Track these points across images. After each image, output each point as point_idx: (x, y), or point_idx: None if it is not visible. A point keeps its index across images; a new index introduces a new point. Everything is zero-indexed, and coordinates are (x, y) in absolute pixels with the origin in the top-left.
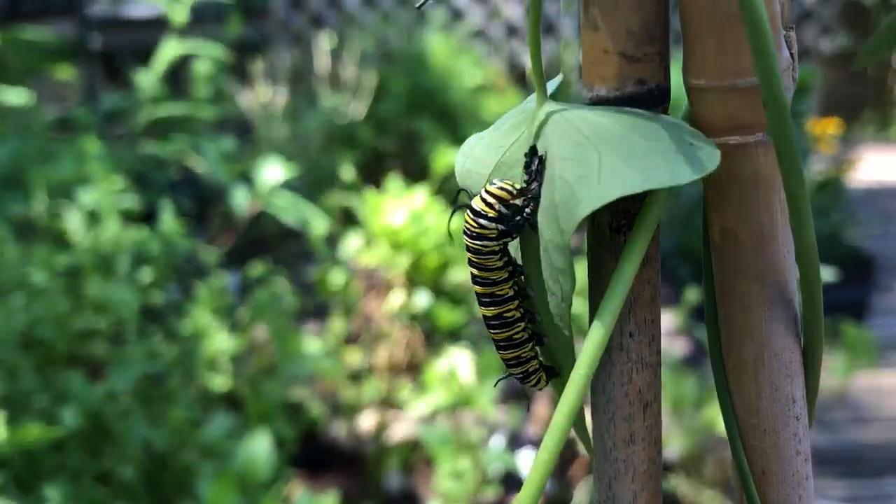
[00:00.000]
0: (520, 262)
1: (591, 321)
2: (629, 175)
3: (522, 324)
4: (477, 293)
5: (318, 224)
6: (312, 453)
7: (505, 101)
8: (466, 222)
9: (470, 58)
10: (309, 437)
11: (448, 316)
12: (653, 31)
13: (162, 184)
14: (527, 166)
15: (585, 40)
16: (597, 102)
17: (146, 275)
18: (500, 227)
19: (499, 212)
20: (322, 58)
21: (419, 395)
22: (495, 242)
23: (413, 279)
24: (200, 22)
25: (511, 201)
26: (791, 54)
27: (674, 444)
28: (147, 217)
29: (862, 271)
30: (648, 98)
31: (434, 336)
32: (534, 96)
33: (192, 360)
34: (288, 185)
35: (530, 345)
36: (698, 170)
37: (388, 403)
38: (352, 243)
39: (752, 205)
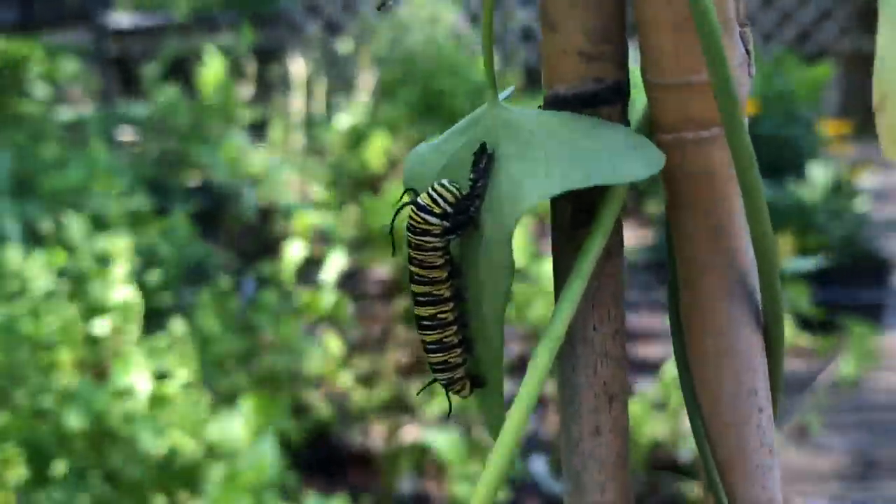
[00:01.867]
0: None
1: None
2: (573, 171)
3: (455, 327)
4: (413, 292)
5: (293, 251)
6: (324, 457)
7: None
8: (411, 218)
9: (482, 63)
10: (320, 440)
11: None
12: (610, 31)
13: (176, 189)
14: (475, 164)
15: (544, 41)
16: (556, 101)
17: (153, 277)
18: (445, 223)
19: (443, 209)
20: (336, 63)
21: (429, 398)
22: (438, 239)
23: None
24: (215, 29)
25: (456, 200)
26: (747, 50)
27: (686, 447)
28: (159, 219)
29: (878, 273)
30: (607, 95)
31: None
32: (489, 102)
33: (200, 362)
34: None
35: (459, 350)
36: (644, 169)
37: (399, 407)
38: (334, 263)
39: (709, 198)
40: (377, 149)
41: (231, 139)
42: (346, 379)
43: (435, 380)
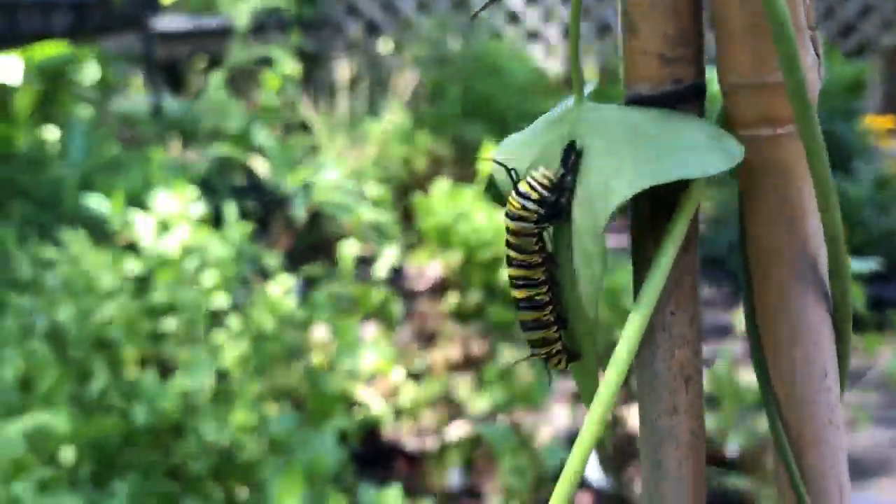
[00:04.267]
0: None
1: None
2: (658, 167)
3: (550, 307)
4: (511, 276)
5: (348, 248)
6: (374, 451)
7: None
8: (510, 204)
9: (524, 60)
10: (371, 435)
11: (501, 314)
12: (687, 35)
13: (226, 189)
14: (564, 160)
15: (626, 43)
16: (637, 100)
17: (211, 278)
18: (541, 210)
19: (541, 196)
20: (378, 65)
21: (478, 392)
22: (534, 226)
23: (465, 278)
24: (263, 32)
25: (551, 190)
26: (816, 53)
27: (735, 442)
28: (214, 221)
29: None
30: (685, 95)
31: (489, 334)
32: (571, 98)
33: (257, 359)
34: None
35: (555, 328)
36: (724, 162)
37: (448, 401)
38: (386, 260)
39: (783, 190)
40: (421, 149)
41: (283, 142)
42: (396, 375)
43: (533, 355)
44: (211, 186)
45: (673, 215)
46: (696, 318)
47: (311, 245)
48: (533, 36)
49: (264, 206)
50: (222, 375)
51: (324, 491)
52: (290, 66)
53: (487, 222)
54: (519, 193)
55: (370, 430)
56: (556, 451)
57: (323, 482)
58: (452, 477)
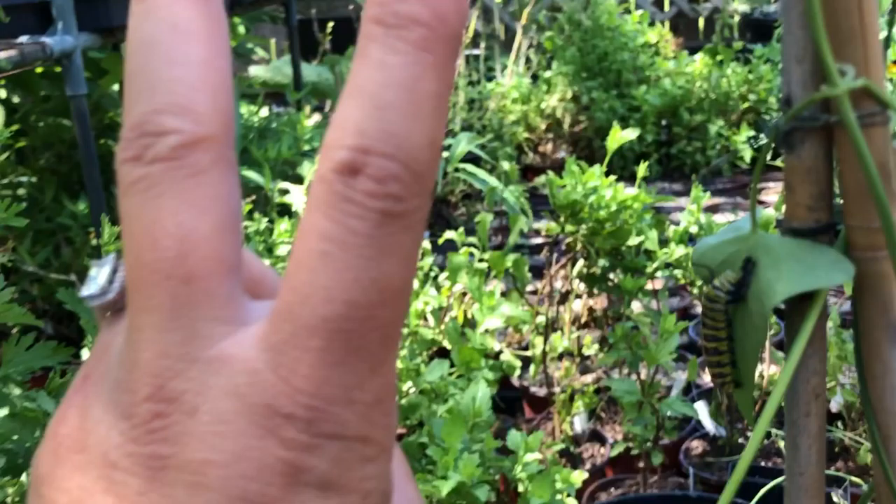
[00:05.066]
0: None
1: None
2: (803, 278)
3: (728, 355)
4: (704, 335)
5: (485, 215)
6: (505, 397)
7: (676, 63)
8: (709, 292)
9: (641, 19)
10: (502, 382)
11: (626, 281)
12: (824, 193)
13: None
14: (744, 267)
15: (786, 195)
16: (791, 231)
17: None
18: (728, 297)
19: (727, 289)
20: (497, 24)
21: (604, 349)
22: (723, 306)
23: (592, 247)
24: None
25: (734, 284)
26: None
27: (838, 396)
28: None
29: None
30: (821, 230)
31: (614, 298)
32: (746, 221)
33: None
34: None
35: (730, 368)
36: (843, 277)
37: (574, 355)
38: (517, 225)
39: (881, 292)
40: (540, 109)
41: None
42: (526, 329)
43: (715, 382)
44: None
45: (811, 305)
46: (822, 358)
47: (437, 208)
48: None
49: None
50: None
51: (479, 434)
52: None
53: (612, 198)
54: (714, 287)
55: (502, 378)
56: (675, 404)
57: (481, 427)
58: (577, 423)
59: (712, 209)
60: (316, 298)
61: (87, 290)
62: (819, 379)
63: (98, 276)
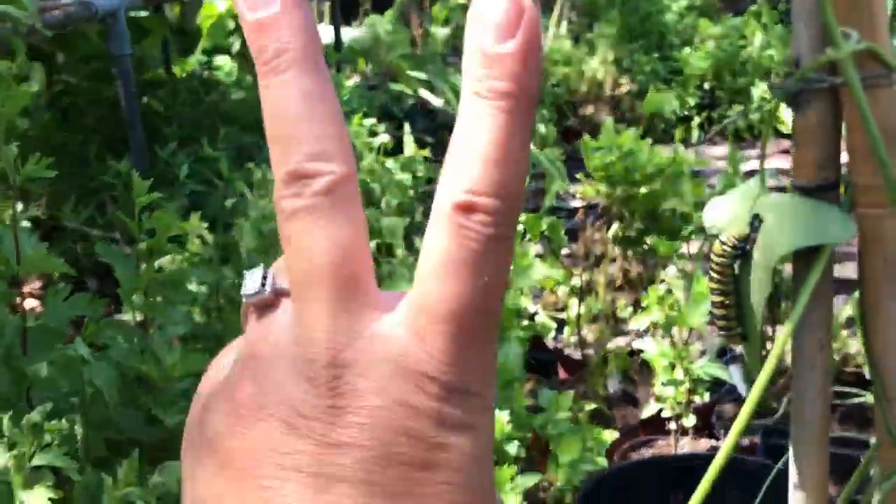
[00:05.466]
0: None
1: (792, 311)
2: (806, 234)
3: (734, 309)
4: (712, 289)
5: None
6: (539, 358)
7: (719, 25)
8: (717, 247)
9: None
10: (536, 343)
11: (660, 244)
12: (831, 153)
13: (400, 115)
14: (751, 224)
15: (795, 153)
16: (799, 189)
17: (393, 202)
18: (735, 252)
19: (734, 245)
20: None
21: (637, 312)
22: (729, 260)
23: (627, 209)
24: None
25: (741, 241)
26: None
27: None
28: (393, 148)
29: None
30: (829, 187)
31: (649, 261)
32: (756, 182)
33: None
34: None
35: (736, 321)
36: (846, 234)
37: (609, 317)
38: (554, 187)
39: (884, 244)
40: (581, 71)
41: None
42: (561, 291)
43: (721, 334)
44: (388, 111)
45: (815, 259)
46: (828, 313)
47: None
48: None
49: (434, 130)
50: None
51: (512, 393)
52: None
53: (648, 160)
54: (722, 243)
55: (536, 339)
56: (708, 367)
57: (509, 384)
58: (611, 384)
59: (754, 174)
60: (446, 297)
61: (245, 290)
62: (824, 332)
63: (251, 281)
